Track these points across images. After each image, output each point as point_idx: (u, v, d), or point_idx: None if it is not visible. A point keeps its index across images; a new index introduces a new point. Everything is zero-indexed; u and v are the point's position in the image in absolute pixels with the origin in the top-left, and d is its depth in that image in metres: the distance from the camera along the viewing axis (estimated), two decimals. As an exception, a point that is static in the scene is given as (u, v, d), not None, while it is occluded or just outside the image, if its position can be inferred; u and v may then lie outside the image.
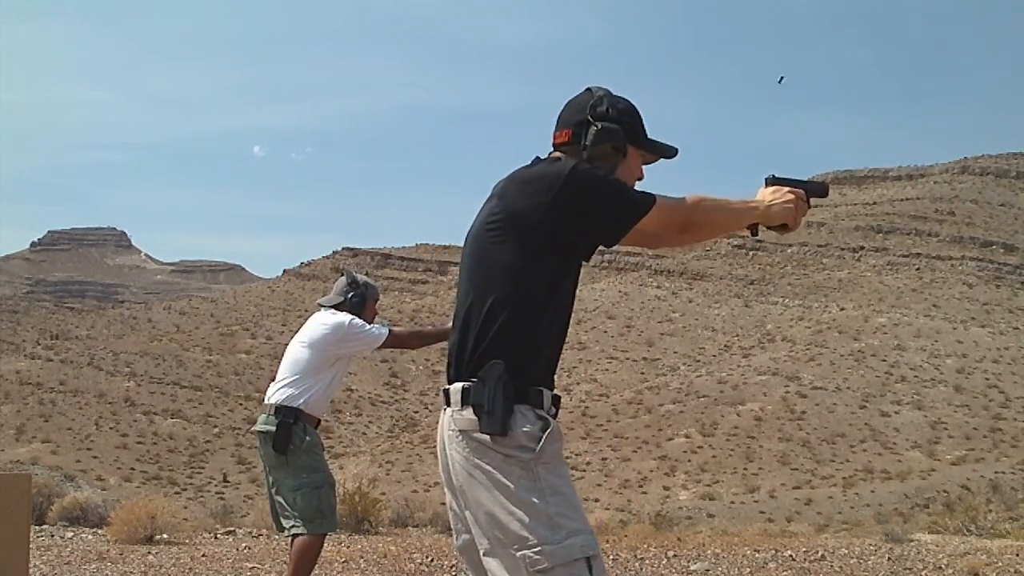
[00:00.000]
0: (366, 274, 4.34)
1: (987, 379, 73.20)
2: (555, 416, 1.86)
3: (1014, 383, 71.84)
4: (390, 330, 3.76)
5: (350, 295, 3.85)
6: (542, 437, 1.78)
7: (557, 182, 1.82)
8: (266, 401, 3.76)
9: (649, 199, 1.87)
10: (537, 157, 1.99)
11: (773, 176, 2.08)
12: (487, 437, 1.78)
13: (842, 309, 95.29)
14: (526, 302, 1.83)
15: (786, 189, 2.04)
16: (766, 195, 2.04)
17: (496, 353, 1.81)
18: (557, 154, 1.98)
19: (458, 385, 1.85)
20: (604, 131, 1.91)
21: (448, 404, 1.87)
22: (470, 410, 1.80)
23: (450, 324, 3.48)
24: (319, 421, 3.77)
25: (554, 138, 1.99)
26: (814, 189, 2.10)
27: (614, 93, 1.98)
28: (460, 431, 1.82)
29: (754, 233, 2.10)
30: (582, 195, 1.82)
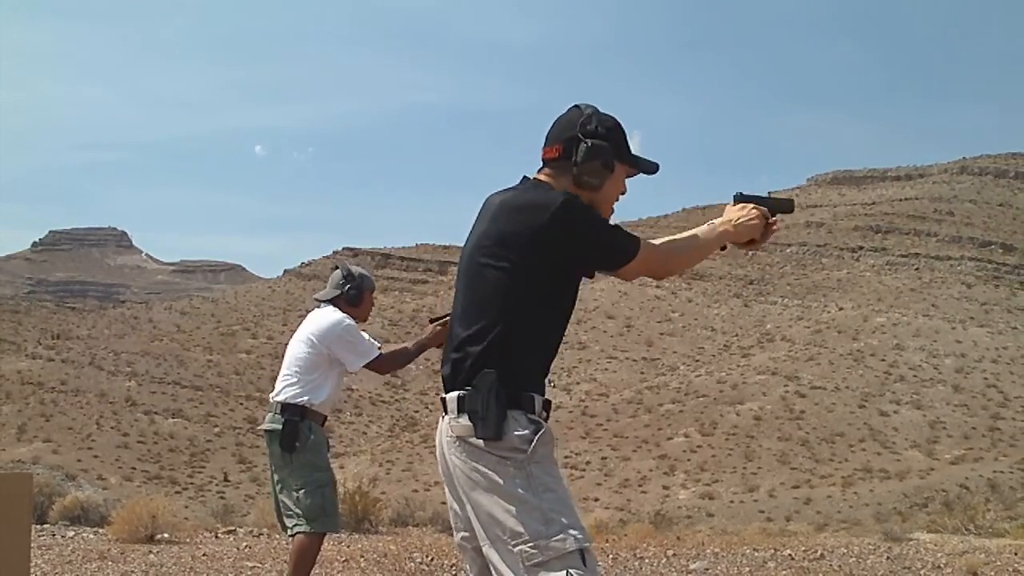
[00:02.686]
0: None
1: (986, 379, 73.20)
2: (546, 420, 1.96)
3: (1012, 383, 71.85)
4: (380, 353, 3.71)
5: (347, 288, 3.82)
6: (534, 439, 1.88)
7: (546, 212, 1.91)
8: (272, 399, 3.75)
9: (633, 248, 1.97)
10: (525, 176, 2.07)
11: (740, 194, 2.17)
12: (482, 441, 1.88)
13: (841, 309, 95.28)
14: (516, 318, 1.92)
15: (751, 207, 2.14)
16: (733, 213, 2.14)
17: (489, 363, 1.91)
18: (546, 172, 2.05)
19: (454, 394, 1.95)
20: (594, 148, 1.99)
21: (446, 412, 1.98)
22: (466, 417, 1.91)
23: (425, 338, 3.58)
24: (325, 419, 3.76)
25: (544, 153, 2.06)
26: (780, 206, 2.18)
27: (601, 111, 2.06)
28: (457, 437, 1.93)
29: (723, 248, 2.17)
30: (570, 229, 1.91)
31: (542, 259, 1.91)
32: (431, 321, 3.57)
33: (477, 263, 1.98)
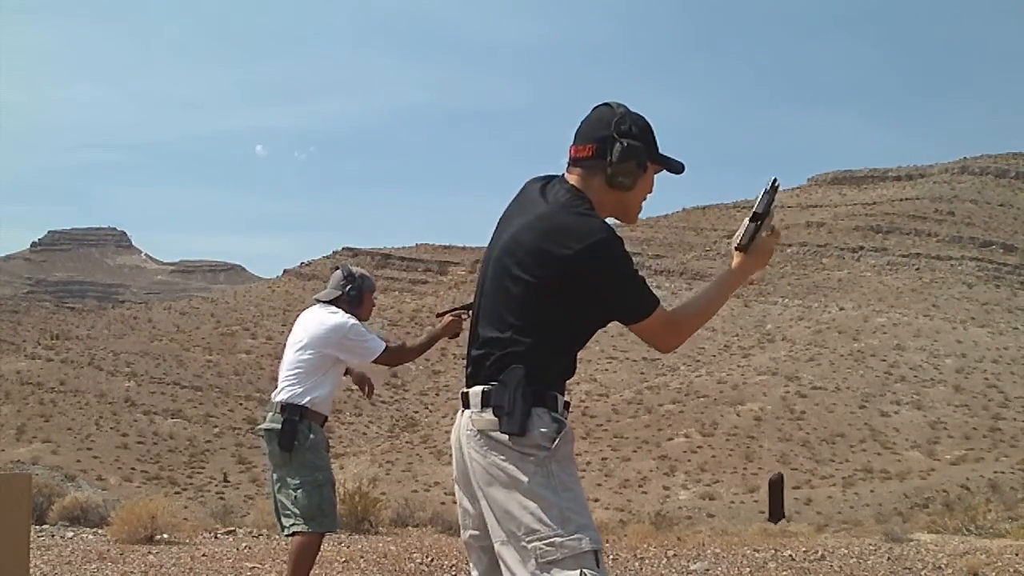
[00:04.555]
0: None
1: (986, 379, 73.23)
2: (565, 420, 1.96)
3: (1013, 383, 71.88)
4: (387, 346, 3.72)
5: (347, 288, 3.81)
6: (556, 438, 1.88)
7: (581, 243, 1.87)
8: (272, 399, 3.75)
9: (651, 306, 1.94)
10: (551, 176, 2.05)
11: (740, 243, 2.07)
12: (505, 437, 1.88)
13: (842, 309, 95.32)
14: (544, 319, 1.92)
15: (759, 247, 2.07)
16: (746, 262, 2.08)
17: (516, 360, 1.90)
18: (577, 172, 2.00)
19: (478, 388, 1.94)
20: (630, 148, 1.97)
21: (467, 406, 1.96)
22: (490, 411, 1.90)
23: (438, 329, 3.56)
24: (325, 419, 3.76)
25: (574, 152, 2.02)
26: (765, 210, 2.06)
27: (631, 109, 2.04)
28: (479, 431, 1.92)
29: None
30: (597, 269, 1.88)
31: (568, 285, 1.90)
32: (439, 315, 3.60)
33: (506, 267, 1.96)
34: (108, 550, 6.38)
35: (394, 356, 3.77)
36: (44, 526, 7.67)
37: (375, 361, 3.74)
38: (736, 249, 2.07)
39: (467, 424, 1.95)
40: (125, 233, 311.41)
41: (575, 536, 1.81)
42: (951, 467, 52.80)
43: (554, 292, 1.90)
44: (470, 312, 3.80)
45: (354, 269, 3.93)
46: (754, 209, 2.04)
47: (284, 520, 3.64)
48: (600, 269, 1.88)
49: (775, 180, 2.05)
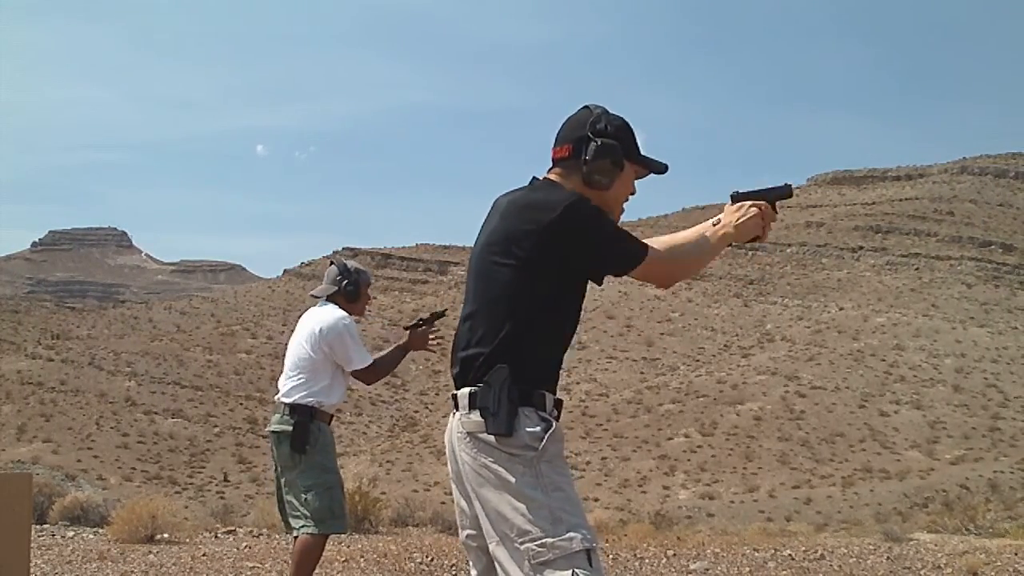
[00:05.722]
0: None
1: (986, 379, 73.23)
2: (557, 419, 1.96)
3: (1013, 383, 71.88)
4: (372, 363, 3.70)
5: (344, 283, 3.77)
6: (544, 437, 1.88)
7: (555, 211, 1.91)
8: (279, 399, 3.71)
9: (640, 255, 1.96)
10: (534, 177, 2.08)
11: (737, 192, 2.12)
12: (493, 438, 1.88)
13: (841, 309, 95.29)
14: (527, 315, 1.93)
15: (749, 204, 2.10)
16: (732, 215, 2.10)
17: (501, 359, 1.91)
18: (556, 171, 2.06)
19: (465, 390, 1.95)
20: (604, 147, 1.99)
21: (457, 408, 1.97)
22: (477, 413, 1.91)
23: (404, 343, 3.65)
24: (331, 418, 3.73)
25: (553, 153, 2.07)
26: (778, 193, 2.14)
27: (610, 111, 2.07)
28: (468, 433, 1.93)
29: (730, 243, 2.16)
30: (578, 228, 1.91)
31: (551, 257, 1.92)
32: (407, 328, 3.64)
33: (487, 261, 1.98)
34: (108, 550, 6.39)
35: (371, 374, 3.74)
36: (45, 526, 7.69)
37: (358, 372, 3.70)
38: (732, 198, 2.10)
39: (457, 426, 1.96)
40: (125, 233, 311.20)
41: (566, 536, 1.81)
42: (950, 467, 52.81)
43: (536, 269, 1.91)
44: (434, 322, 3.80)
45: (349, 263, 3.89)
46: (775, 189, 2.12)
47: (293, 522, 3.61)
48: (578, 229, 1.90)
49: (791, 188, 2.16)
